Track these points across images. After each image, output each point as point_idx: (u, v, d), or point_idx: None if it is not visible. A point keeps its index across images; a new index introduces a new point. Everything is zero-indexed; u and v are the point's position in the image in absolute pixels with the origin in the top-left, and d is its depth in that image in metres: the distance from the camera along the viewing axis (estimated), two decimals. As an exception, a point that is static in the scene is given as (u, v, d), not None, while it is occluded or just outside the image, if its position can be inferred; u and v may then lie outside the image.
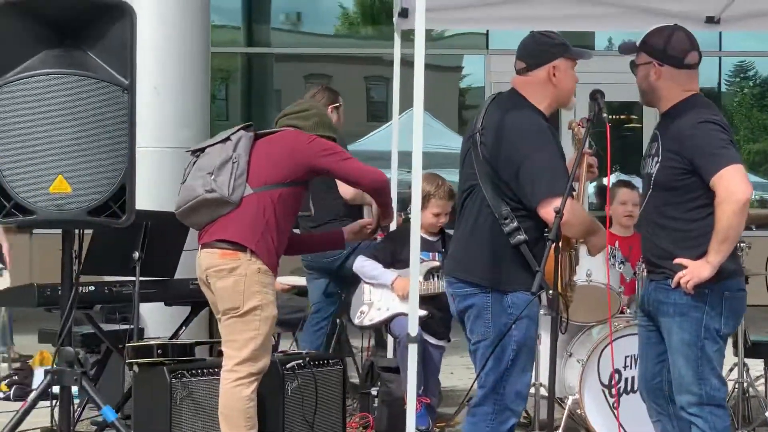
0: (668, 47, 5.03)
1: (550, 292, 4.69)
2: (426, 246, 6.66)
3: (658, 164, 4.97)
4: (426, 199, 6.56)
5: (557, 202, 4.63)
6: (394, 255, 6.62)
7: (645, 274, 5.47)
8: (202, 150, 5.90)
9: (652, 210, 5.04)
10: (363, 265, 6.73)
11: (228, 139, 5.85)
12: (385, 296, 6.72)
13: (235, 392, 5.74)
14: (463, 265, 5.00)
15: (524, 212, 4.85)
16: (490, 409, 4.94)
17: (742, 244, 5.30)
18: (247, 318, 5.73)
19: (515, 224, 4.82)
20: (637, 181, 13.24)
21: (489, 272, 4.88)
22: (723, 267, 4.83)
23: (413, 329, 4.93)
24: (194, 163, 5.89)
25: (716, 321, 4.88)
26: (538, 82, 5.02)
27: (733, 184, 4.72)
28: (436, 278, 6.58)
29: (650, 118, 13.56)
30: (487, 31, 15.43)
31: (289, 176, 5.81)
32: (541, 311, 4.86)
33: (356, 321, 6.83)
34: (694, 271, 4.79)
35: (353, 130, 20.42)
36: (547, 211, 4.70)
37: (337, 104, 7.70)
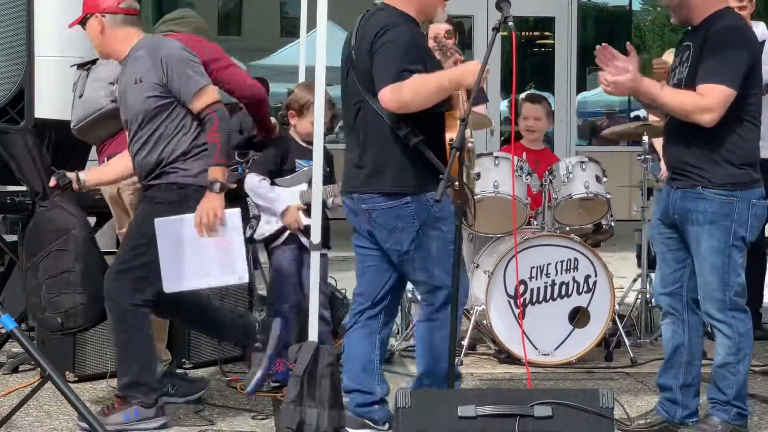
0: None
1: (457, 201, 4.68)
2: (306, 154, 6.47)
3: (687, 68, 5.05)
4: (306, 107, 6.44)
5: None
6: (280, 162, 6.51)
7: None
8: (93, 62, 5.78)
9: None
10: (259, 185, 6.50)
11: None
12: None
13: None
14: (375, 177, 5.01)
15: (411, 116, 4.90)
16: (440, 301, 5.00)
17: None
18: None
19: (408, 127, 4.89)
20: (551, 98, 13.23)
21: (402, 178, 4.94)
22: (750, 175, 5.03)
23: (316, 237, 4.92)
24: (87, 76, 5.77)
25: (743, 228, 5.05)
26: None
27: (715, 104, 4.86)
28: None
29: (562, 35, 13.49)
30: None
31: None
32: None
33: (246, 234, 6.73)
34: (621, 76, 4.94)
35: (266, 45, 20.28)
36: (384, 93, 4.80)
37: None
